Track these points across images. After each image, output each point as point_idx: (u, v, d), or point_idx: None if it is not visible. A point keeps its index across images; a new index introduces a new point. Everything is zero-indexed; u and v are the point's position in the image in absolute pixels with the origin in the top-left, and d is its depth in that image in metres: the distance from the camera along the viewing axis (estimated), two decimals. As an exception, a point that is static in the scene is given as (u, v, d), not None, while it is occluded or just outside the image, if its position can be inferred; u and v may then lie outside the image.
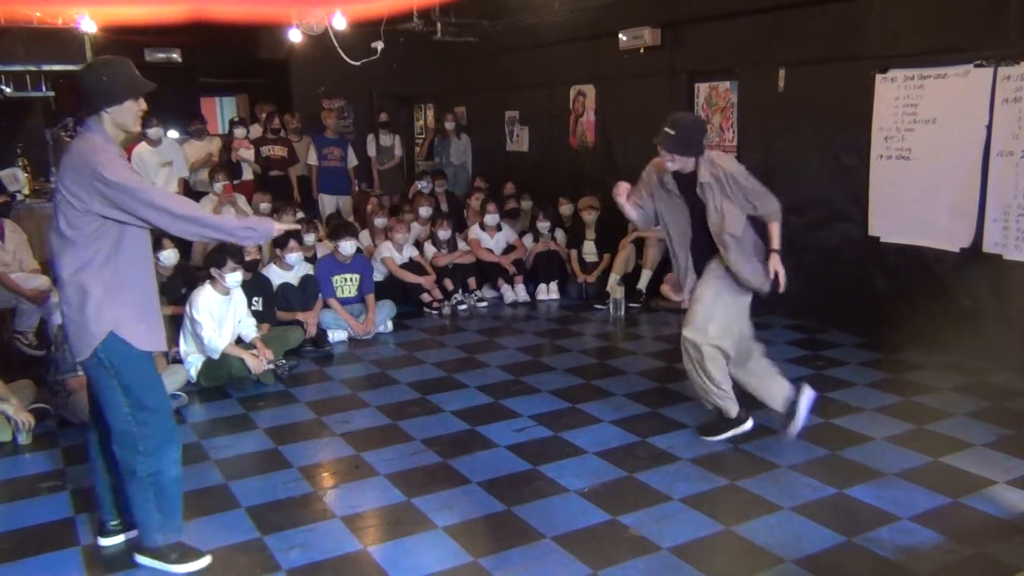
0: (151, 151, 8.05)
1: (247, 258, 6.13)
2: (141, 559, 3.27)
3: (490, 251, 7.83)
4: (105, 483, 3.36)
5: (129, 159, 7.94)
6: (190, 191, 9.03)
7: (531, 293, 7.72)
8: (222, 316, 5.41)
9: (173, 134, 10.07)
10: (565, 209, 8.04)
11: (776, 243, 4.14)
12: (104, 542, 3.42)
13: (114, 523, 3.42)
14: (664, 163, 4.17)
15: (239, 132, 9.07)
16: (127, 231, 3.03)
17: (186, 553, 3.27)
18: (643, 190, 4.34)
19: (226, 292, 5.42)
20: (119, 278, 3.04)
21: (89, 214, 2.95)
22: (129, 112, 3.05)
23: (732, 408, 4.26)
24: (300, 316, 6.26)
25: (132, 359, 3.07)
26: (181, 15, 8.42)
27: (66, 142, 9.26)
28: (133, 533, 3.38)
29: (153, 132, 7.99)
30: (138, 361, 3.09)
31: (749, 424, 4.29)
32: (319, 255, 6.98)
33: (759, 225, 4.17)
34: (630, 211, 4.36)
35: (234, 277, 5.37)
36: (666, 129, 4.10)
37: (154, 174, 7.94)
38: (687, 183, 4.16)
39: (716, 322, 4.13)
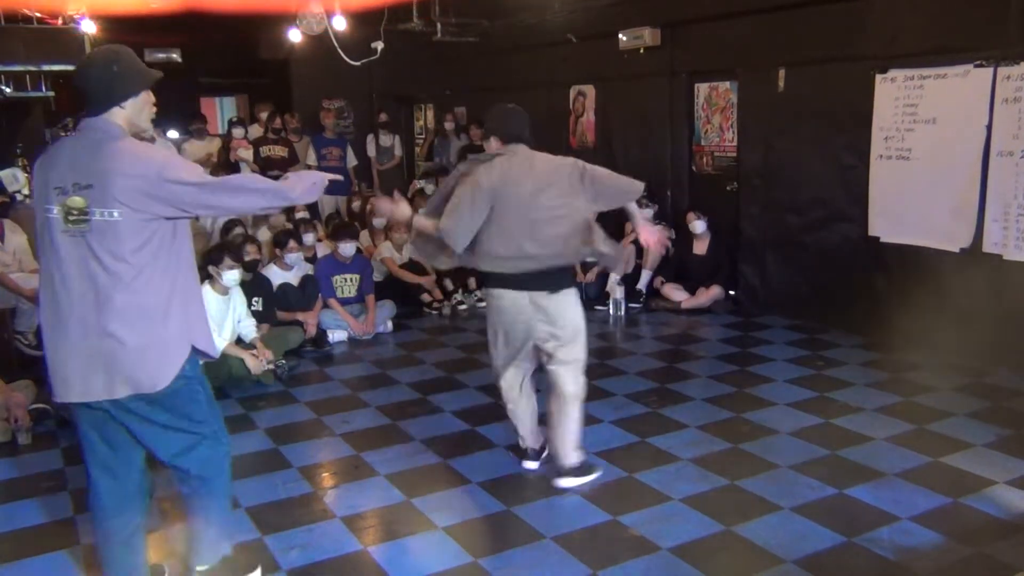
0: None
1: (247, 258, 6.13)
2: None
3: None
4: (126, 543, 2.89)
5: None
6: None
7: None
8: (221, 316, 5.40)
9: (173, 134, 10.08)
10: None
11: None
12: None
13: None
14: None
15: (237, 132, 9.07)
16: (178, 226, 2.73)
17: (243, 564, 3.11)
18: None
19: (225, 292, 5.42)
20: (181, 282, 2.74)
21: (148, 223, 2.61)
22: (145, 104, 2.75)
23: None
24: (300, 316, 6.26)
25: (197, 368, 2.83)
26: (178, 5, 8.42)
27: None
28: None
29: (147, 132, 7.95)
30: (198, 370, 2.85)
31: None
32: (319, 255, 6.99)
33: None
34: None
35: (231, 275, 5.36)
36: None
37: None
38: None
39: None
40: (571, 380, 3.83)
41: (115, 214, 2.56)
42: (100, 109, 2.67)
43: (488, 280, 3.89)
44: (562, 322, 3.78)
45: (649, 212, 7.45)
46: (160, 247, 2.66)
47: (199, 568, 3.01)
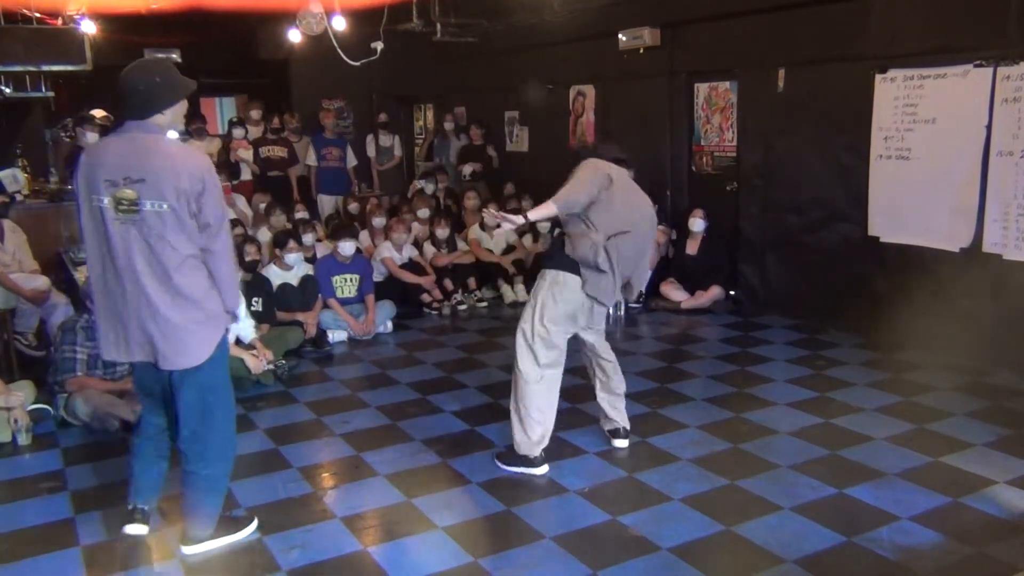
0: None
1: (247, 258, 6.14)
2: (193, 549, 3.33)
3: (490, 251, 7.84)
4: (151, 470, 3.42)
5: None
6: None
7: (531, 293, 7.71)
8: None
9: (173, 134, 10.05)
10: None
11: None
12: (132, 530, 3.41)
13: (144, 507, 3.45)
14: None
15: (238, 133, 9.07)
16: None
17: (238, 521, 3.49)
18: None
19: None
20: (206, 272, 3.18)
21: (192, 217, 3.04)
22: (181, 112, 3.15)
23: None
24: (300, 316, 6.26)
25: (226, 352, 3.33)
26: (178, 5, 8.44)
27: (66, 142, 9.26)
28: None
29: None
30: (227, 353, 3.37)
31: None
32: (319, 255, 6.99)
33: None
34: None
35: None
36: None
37: None
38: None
39: None
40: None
41: (164, 206, 2.97)
42: (144, 114, 3.04)
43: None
44: None
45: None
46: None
47: (189, 549, 3.33)
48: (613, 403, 4.30)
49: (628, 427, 4.31)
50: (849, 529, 3.39)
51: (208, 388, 3.23)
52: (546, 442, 4.04)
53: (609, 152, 4.17)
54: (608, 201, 3.91)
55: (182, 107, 3.14)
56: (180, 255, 3.03)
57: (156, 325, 3.05)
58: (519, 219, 3.89)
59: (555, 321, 3.94)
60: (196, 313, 3.09)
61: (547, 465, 4.03)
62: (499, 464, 4.10)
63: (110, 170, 2.99)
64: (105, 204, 3.00)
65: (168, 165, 2.97)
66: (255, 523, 3.51)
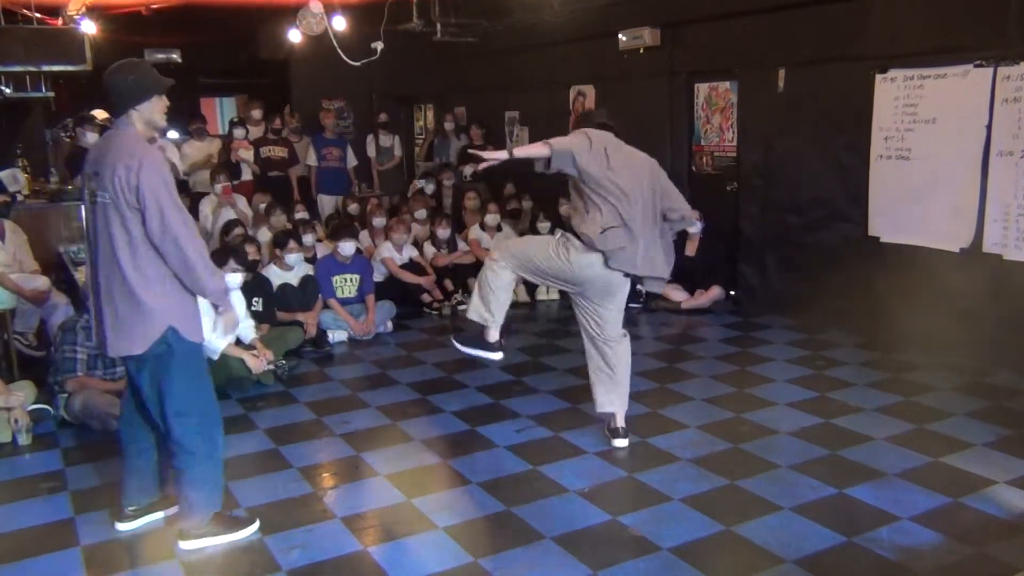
0: None
1: (247, 259, 6.13)
2: (189, 544, 3.37)
3: (490, 251, 7.82)
4: (135, 466, 3.53)
5: None
6: (190, 192, 9.04)
7: (531, 293, 7.72)
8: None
9: (173, 134, 10.07)
10: (565, 210, 8.03)
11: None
12: (123, 527, 3.54)
13: (132, 508, 3.56)
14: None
15: (238, 133, 9.07)
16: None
17: (236, 520, 3.51)
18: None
19: (223, 293, 5.41)
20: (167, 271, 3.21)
21: (135, 210, 3.10)
22: (156, 108, 3.25)
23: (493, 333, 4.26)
24: (300, 316, 6.26)
25: (191, 351, 3.29)
26: (178, 3, 8.44)
27: (66, 142, 9.26)
28: (151, 518, 3.59)
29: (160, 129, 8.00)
30: (195, 353, 3.33)
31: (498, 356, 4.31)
32: (319, 255, 6.99)
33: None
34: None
35: (233, 279, 5.35)
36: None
37: None
38: None
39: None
40: None
41: (107, 197, 3.12)
42: (121, 111, 3.22)
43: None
44: None
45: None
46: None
47: (185, 544, 3.38)
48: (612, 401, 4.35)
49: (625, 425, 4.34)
50: (849, 529, 3.39)
51: (164, 378, 3.26)
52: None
53: (591, 120, 4.25)
54: (600, 165, 3.97)
55: (159, 102, 3.25)
56: (124, 246, 3.12)
57: (109, 312, 3.20)
58: (502, 154, 4.06)
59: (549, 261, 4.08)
60: (135, 304, 3.15)
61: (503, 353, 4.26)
62: (456, 344, 4.31)
63: (88, 165, 3.25)
64: (85, 198, 3.27)
65: (111, 158, 3.11)
66: (256, 524, 3.52)
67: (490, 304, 4.17)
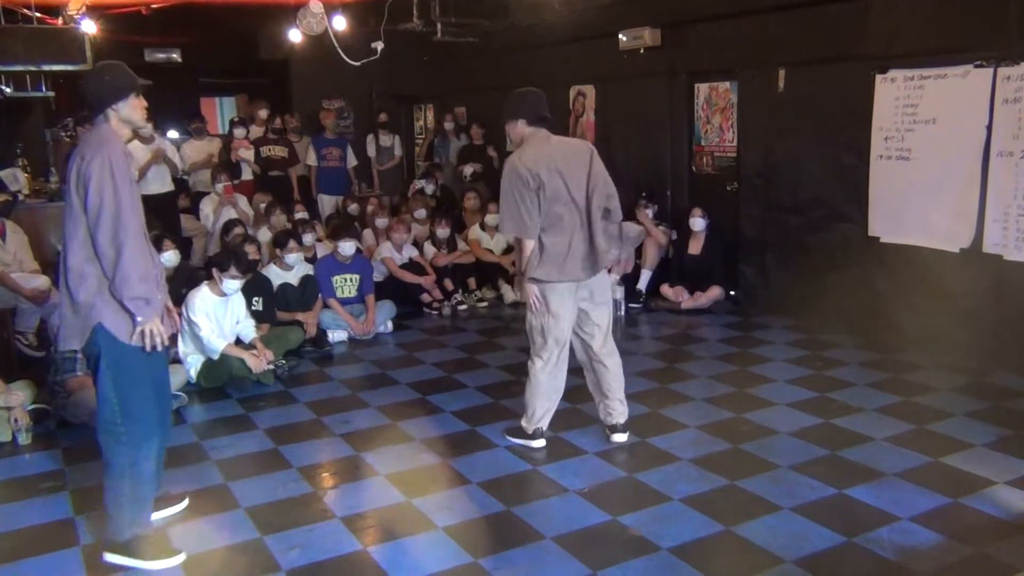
0: (143, 149, 8.04)
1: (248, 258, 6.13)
2: (111, 557, 3.27)
3: (490, 251, 7.84)
4: None
5: None
6: (190, 192, 9.05)
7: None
8: (219, 317, 5.41)
9: (173, 134, 10.07)
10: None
11: None
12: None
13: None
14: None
15: (239, 132, 9.08)
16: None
17: (160, 549, 3.30)
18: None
19: (222, 295, 5.42)
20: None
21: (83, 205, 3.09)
22: (134, 107, 3.23)
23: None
24: (300, 316, 6.26)
25: (121, 353, 3.15)
26: (178, 2, 8.44)
27: (66, 142, 9.26)
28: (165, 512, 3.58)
29: (145, 131, 8.00)
30: (126, 355, 3.16)
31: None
32: (319, 255, 6.99)
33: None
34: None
35: (232, 284, 5.36)
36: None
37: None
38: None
39: None
40: None
41: (65, 188, 3.15)
42: (98, 111, 3.21)
43: None
44: None
45: (649, 212, 7.46)
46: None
47: (107, 556, 3.28)
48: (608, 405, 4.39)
49: (624, 421, 4.39)
50: (849, 529, 3.38)
51: (96, 380, 3.20)
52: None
53: (531, 112, 4.14)
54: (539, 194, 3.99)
55: (135, 101, 3.23)
56: (71, 237, 3.10)
57: (63, 304, 3.19)
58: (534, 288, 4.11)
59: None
60: (72, 298, 3.13)
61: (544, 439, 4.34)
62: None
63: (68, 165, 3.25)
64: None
65: (76, 153, 3.13)
66: (181, 557, 3.29)
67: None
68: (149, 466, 3.27)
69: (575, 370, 4.58)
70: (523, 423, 4.35)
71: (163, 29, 9.97)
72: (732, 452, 4.21)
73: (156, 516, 3.55)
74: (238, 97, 13.66)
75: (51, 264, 6.78)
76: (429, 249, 7.73)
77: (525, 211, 3.99)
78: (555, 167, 4.00)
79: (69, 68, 7.86)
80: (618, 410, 4.36)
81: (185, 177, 8.83)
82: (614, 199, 4.17)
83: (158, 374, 3.35)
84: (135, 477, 3.22)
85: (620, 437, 4.34)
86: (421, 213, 8.12)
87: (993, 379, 5.14)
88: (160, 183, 8.06)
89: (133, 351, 3.16)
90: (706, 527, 3.46)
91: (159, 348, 3.19)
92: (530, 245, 4.05)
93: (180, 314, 5.43)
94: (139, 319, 3.11)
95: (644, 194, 7.51)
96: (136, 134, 7.90)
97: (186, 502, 3.74)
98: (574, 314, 4.19)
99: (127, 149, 3.21)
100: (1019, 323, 5.14)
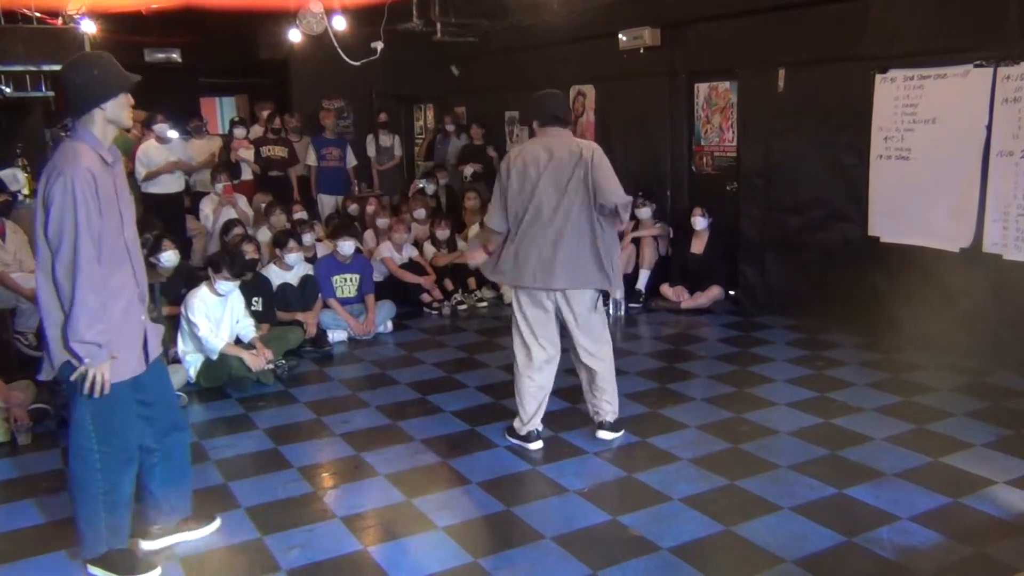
0: (159, 148, 8.10)
1: (246, 257, 6.13)
2: (93, 569, 3.15)
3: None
4: (144, 486, 3.27)
5: (134, 156, 7.98)
6: (190, 192, 9.05)
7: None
8: (218, 317, 5.41)
9: (173, 134, 10.07)
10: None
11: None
12: (147, 545, 3.35)
13: (158, 527, 3.37)
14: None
15: (239, 132, 9.08)
16: (104, 242, 2.86)
17: (136, 563, 3.17)
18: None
19: (219, 295, 5.42)
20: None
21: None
22: (124, 106, 2.95)
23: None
24: (300, 316, 6.26)
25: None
26: (178, 3, 8.44)
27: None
28: (179, 537, 3.39)
29: (160, 128, 8.07)
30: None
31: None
32: (319, 255, 6.99)
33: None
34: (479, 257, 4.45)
35: (225, 286, 5.37)
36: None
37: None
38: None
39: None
40: None
41: (35, 206, 2.84)
42: (83, 110, 2.87)
43: None
44: None
45: (648, 211, 7.46)
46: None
47: (90, 568, 3.16)
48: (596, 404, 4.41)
49: (611, 420, 4.39)
50: (849, 529, 3.38)
51: (77, 404, 2.95)
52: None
53: (533, 115, 4.24)
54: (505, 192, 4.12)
55: (125, 100, 2.94)
56: (37, 268, 2.87)
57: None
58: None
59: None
60: (42, 328, 2.90)
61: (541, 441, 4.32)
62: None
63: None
64: None
65: (47, 169, 2.83)
66: (157, 572, 3.16)
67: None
68: (127, 491, 3.09)
69: (574, 370, 4.59)
70: (515, 424, 4.35)
71: (163, 29, 9.97)
72: (732, 452, 4.21)
73: (188, 537, 3.41)
74: (238, 97, 13.67)
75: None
76: (429, 249, 7.73)
77: (496, 202, 4.14)
78: (535, 163, 4.03)
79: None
80: (605, 409, 4.36)
81: (187, 177, 8.84)
82: (611, 198, 3.98)
83: (156, 394, 3.18)
84: (111, 504, 3.04)
85: (606, 435, 4.33)
86: (421, 213, 8.13)
87: (993, 379, 5.14)
88: (176, 183, 8.19)
89: (114, 385, 2.93)
90: (706, 527, 3.46)
91: (99, 394, 2.88)
92: (495, 238, 4.19)
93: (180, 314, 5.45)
94: (86, 361, 2.83)
95: (640, 193, 7.52)
96: (155, 134, 7.97)
97: (218, 522, 3.54)
98: (549, 318, 4.20)
99: (97, 165, 2.87)
100: (1019, 323, 5.14)
